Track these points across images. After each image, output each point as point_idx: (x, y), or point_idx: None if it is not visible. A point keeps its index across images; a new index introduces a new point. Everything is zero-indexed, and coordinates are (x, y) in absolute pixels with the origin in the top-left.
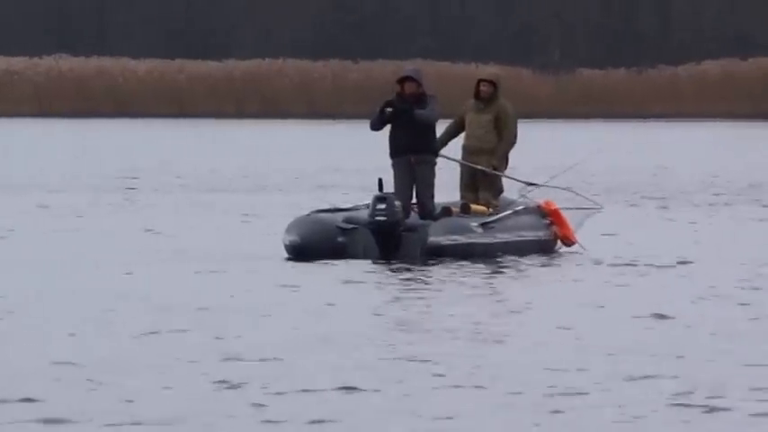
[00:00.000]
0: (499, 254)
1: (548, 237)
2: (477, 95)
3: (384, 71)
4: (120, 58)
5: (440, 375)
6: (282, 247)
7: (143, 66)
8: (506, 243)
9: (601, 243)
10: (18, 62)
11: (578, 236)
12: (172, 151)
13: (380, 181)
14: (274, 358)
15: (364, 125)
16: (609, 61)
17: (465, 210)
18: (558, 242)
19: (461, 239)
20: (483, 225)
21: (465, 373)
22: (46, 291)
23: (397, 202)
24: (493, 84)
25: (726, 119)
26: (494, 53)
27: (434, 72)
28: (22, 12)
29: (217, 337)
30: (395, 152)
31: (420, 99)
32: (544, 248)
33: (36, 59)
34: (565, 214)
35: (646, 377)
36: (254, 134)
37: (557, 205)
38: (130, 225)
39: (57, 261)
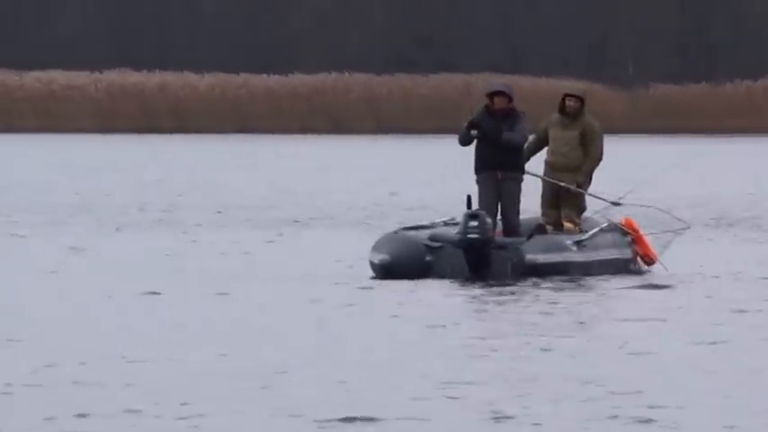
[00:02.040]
0: (592, 273)
1: (631, 255)
2: (563, 110)
3: (453, 85)
4: (182, 72)
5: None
6: (369, 266)
7: (205, 80)
8: (598, 262)
9: (681, 261)
10: (79, 76)
11: (661, 254)
12: (234, 169)
13: (469, 198)
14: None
15: (432, 141)
16: (683, 74)
17: (558, 227)
18: (639, 260)
19: (558, 258)
20: (577, 243)
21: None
22: (162, 314)
23: (489, 220)
24: (580, 99)
25: None
26: (565, 67)
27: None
28: (83, 25)
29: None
30: (481, 168)
31: (509, 115)
32: (628, 267)
33: (97, 74)
34: (652, 234)
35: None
36: (319, 151)
37: (636, 223)
38: (204, 246)
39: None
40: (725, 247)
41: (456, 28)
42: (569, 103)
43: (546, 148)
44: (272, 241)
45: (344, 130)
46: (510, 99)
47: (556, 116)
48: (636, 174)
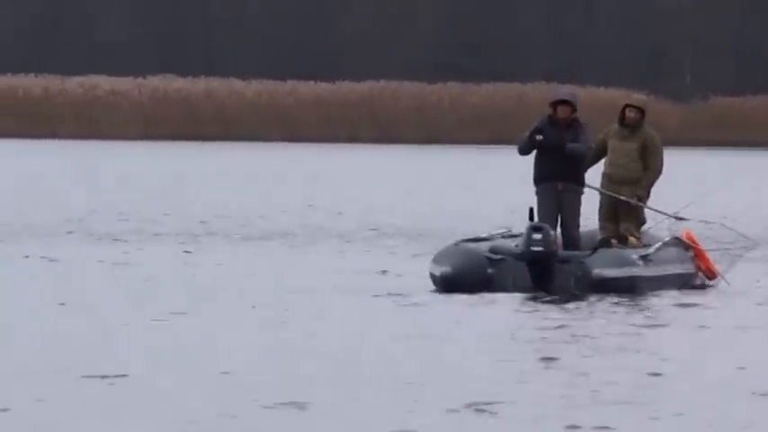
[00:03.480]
0: (657, 288)
1: (693, 270)
2: (623, 121)
3: (505, 95)
4: (228, 78)
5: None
6: (430, 279)
7: (251, 87)
8: (664, 277)
9: (743, 277)
10: (122, 82)
11: (726, 271)
12: (288, 178)
13: (532, 210)
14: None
15: (483, 151)
16: (741, 86)
17: (623, 241)
18: (701, 275)
19: (625, 273)
20: (643, 258)
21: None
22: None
23: (553, 233)
24: (641, 110)
25: None
26: (620, 77)
27: None
28: (128, 30)
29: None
30: (541, 178)
31: (572, 125)
32: (691, 282)
33: (141, 80)
34: (716, 250)
35: None
36: (368, 160)
37: (696, 236)
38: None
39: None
40: None
41: (510, 36)
42: (630, 114)
43: (604, 160)
44: (300, 254)
45: (393, 139)
46: (574, 109)
47: (615, 127)
48: (695, 186)
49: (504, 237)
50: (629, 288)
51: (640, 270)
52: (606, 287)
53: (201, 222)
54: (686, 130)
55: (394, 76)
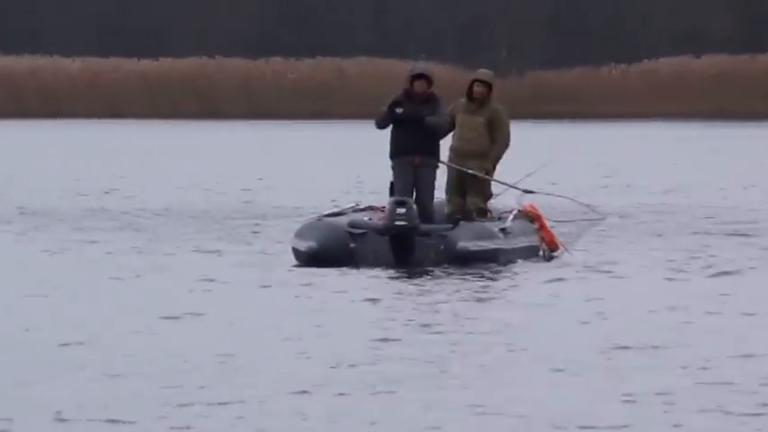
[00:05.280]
0: (513, 260)
1: (539, 242)
2: (470, 96)
3: (325, 69)
4: (52, 56)
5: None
6: (293, 254)
7: (76, 64)
8: (518, 249)
9: (586, 248)
10: None
11: (573, 243)
12: (109, 156)
13: (393, 184)
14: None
15: (303, 125)
16: (558, 60)
17: (482, 214)
18: (544, 246)
19: (488, 245)
20: (502, 230)
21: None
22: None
23: (416, 207)
24: (488, 85)
25: (680, 118)
26: (439, 51)
27: (379, 70)
28: None
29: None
30: (398, 152)
31: (429, 99)
32: (537, 253)
33: None
34: (564, 222)
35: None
36: (192, 135)
37: (540, 209)
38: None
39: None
40: (631, 237)
41: (329, 12)
42: (477, 88)
43: (452, 134)
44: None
45: (216, 115)
46: (430, 83)
47: (462, 101)
48: (529, 159)
49: (355, 210)
50: (490, 260)
51: (501, 242)
52: (469, 259)
53: None
54: (505, 104)
55: (217, 52)
